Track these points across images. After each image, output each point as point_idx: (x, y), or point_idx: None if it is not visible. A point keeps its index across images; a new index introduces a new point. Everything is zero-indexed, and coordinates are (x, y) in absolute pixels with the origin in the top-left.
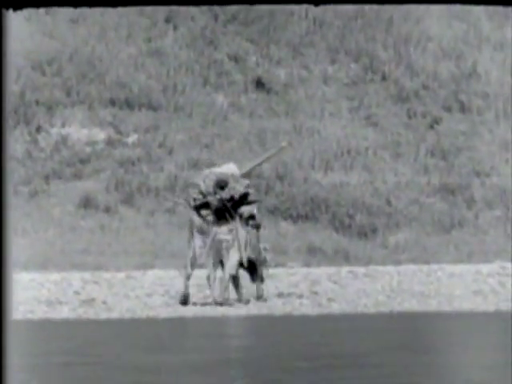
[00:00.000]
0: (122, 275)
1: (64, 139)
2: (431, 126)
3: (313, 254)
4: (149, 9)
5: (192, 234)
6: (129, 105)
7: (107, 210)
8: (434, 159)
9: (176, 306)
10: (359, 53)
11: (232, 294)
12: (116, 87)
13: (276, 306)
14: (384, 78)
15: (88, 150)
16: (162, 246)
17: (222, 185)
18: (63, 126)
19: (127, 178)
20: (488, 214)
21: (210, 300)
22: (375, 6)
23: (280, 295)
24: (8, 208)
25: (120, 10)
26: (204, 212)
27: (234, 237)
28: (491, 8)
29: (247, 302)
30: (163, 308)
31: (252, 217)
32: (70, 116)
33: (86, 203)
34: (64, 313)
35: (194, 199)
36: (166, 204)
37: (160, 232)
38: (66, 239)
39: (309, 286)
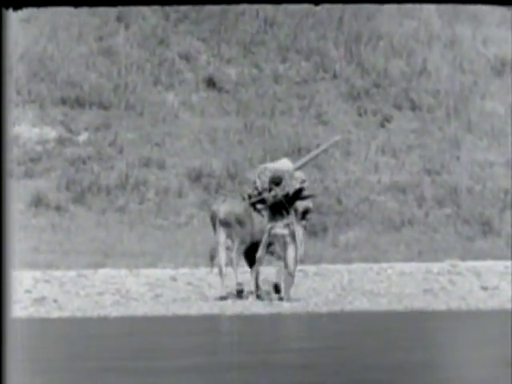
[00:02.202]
0: (72, 274)
1: (15, 138)
2: (382, 124)
3: None
4: (100, 8)
5: (215, 227)
6: (80, 103)
7: (58, 208)
8: (384, 157)
9: (127, 304)
10: (310, 51)
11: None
12: (67, 86)
13: (226, 306)
14: (335, 77)
15: (39, 148)
16: (112, 244)
17: (276, 181)
18: (14, 124)
19: (78, 176)
20: (438, 212)
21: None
22: (326, 5)
23: (230, 295)
24: None
25: (71, 9)
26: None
27: (290, 232)
28: (442, 6)
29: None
30: (114, 307)
31: (307, 211)
32: (20, 115)
33: (37, 202)
34: (15, 311)
35: (250, 196)
36: (117, 203)
37: (111, 231)
38: (16, 238)
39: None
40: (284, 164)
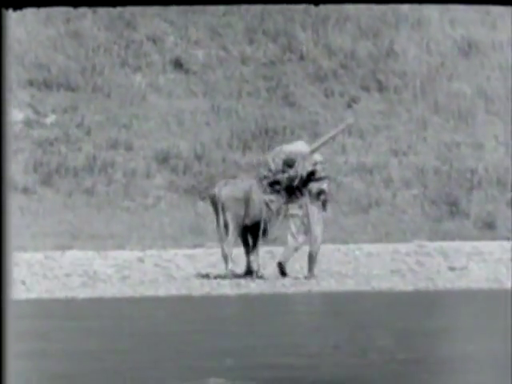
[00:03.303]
0: (40, 256)
1: None
2: (349, 106)
3: None
4: None
5: (217, 211)
6: (47, 86)
7: (26, 191)
8: (351, 138)
9: (95, 286)
10: (277, 33)
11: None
12: (34, 68)
13: (194, 287)
14: (302, 58)
15: None
16: (80, 226)
17: (289, 163)
18: None
19: (45, 158)
20: (405, 193)
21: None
22: None
23: (198, 275)
24: None
25: None
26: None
27: (304, 212)
28: None
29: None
30: (82, 288)
31: (321, 192)
32: None
33: None
34: None
35: (265, 176)
36: (84, 184)
37: (78, 213)
38: None
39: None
40: (299, 146)
